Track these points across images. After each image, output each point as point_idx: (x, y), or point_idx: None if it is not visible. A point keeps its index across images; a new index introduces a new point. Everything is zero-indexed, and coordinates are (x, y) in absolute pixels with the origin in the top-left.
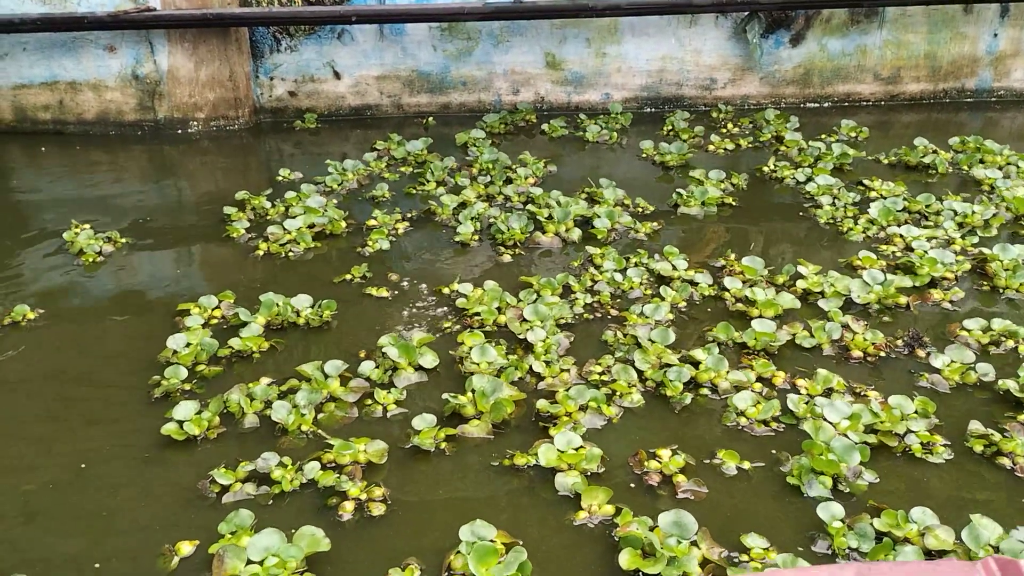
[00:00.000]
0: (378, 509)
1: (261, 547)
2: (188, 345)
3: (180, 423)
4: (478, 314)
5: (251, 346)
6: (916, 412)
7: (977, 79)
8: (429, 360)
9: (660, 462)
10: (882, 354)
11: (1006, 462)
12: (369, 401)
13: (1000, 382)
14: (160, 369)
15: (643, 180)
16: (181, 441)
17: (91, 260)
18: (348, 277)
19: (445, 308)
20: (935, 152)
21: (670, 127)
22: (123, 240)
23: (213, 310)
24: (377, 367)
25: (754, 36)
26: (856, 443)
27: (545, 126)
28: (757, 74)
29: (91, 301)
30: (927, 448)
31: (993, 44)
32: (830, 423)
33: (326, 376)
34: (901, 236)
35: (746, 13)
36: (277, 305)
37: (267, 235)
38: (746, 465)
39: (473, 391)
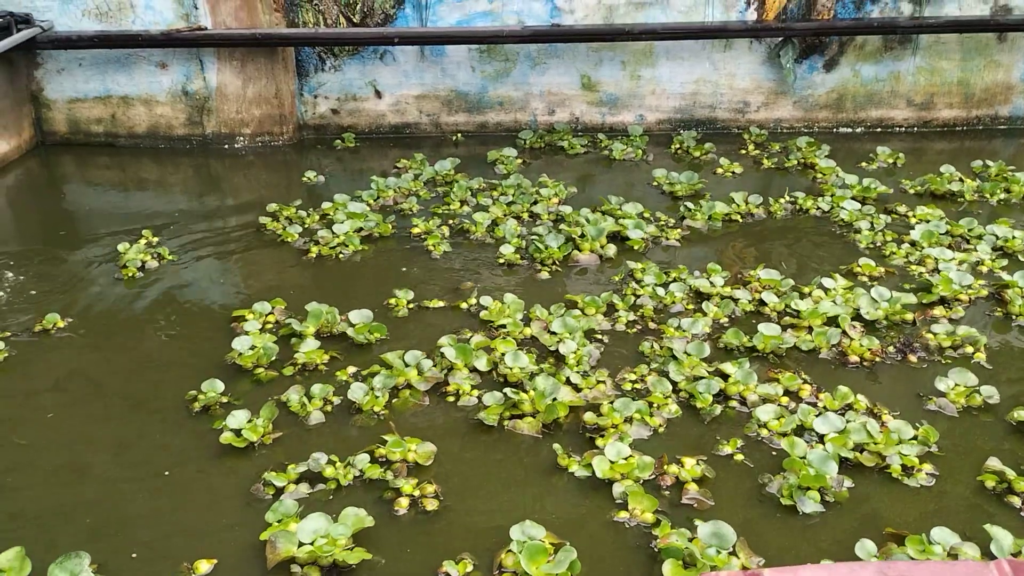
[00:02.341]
0: (431, 504)
1: (310, 530)
2: (252, 348)
3: (237, 431)
4: (503, 326)
5: (315, 359)
6: (916, 439)
7: (1011, 107)
8: (484, 363)
9: (682, 467)
10: (877, 359)
11: (1015, 500)
12: (443, 390)
13: (1016, 412)
14: (223, 372)
15: (655, 201)
16: (241, 448)
17: (131, 274)
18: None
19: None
20: (961, 180)
21: (678, 145)
22: (172, 255)
23: (267, 315)
24: (435, 366)
25: (788, 61)
26: (828, 453)
27: (564, 143)
28: (790, 98)
29: (141, 311)
30: (907, 471)
31: None
32: (816, 437)
33: (406, 365)
34: (933, 258)
35: (780, 39)
36: (325, 314)
37: (318, 239)
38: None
39: (535, 389)
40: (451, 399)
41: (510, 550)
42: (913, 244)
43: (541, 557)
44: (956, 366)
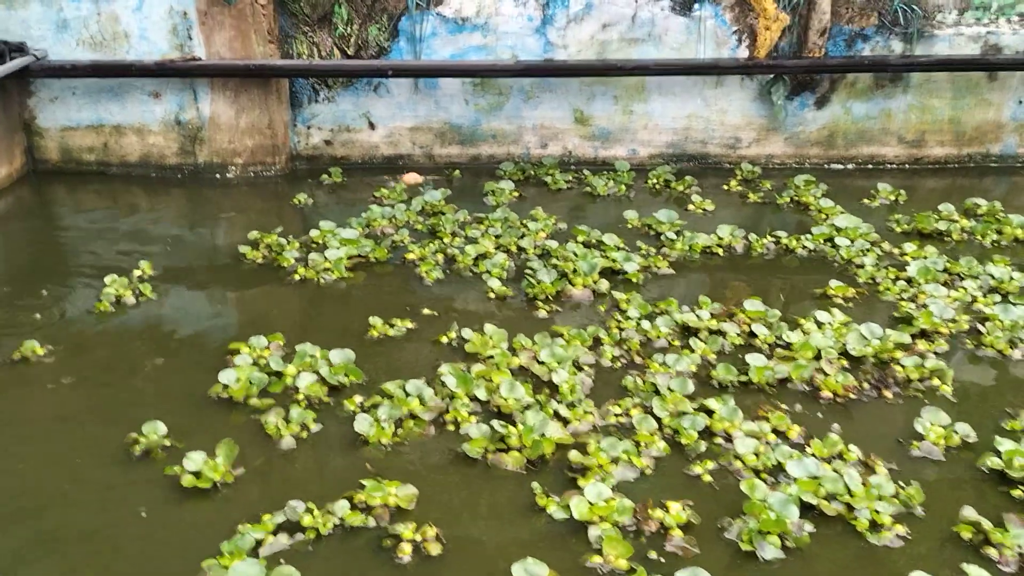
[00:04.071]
0: (435, 548)
1: (241, 573)
2: (238, 380)
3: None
4: (491, 357)
5: (314, 392)
6: (898, 498)
7: (1002, 145)
8: (483, 393)
9: (667, 512)
10: (851, 396)
11: (992, 552)
12: (443, 420)
13: (988, 459)
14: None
15: (633, 235)
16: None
17: (104, 308)
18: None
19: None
20: (952, 220)
21: (655, 180)
22: (156, 273)
23: (263, 350)
24: (436, 394)
25: (779, 98)
26: (789, 497)
27: (548, 179)
28: (781, 135)
29: (129, 338)
30: (875, 528)
31: (1018, 111)
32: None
33: (407, 395)
34: (925, 292)
35: (771, 76)
36: (310, 357)
37: (309, 262)
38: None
39: (523, 423)
40: (451, 428)
41: None
42: (909, 281)
43: None
44: (926, 399)
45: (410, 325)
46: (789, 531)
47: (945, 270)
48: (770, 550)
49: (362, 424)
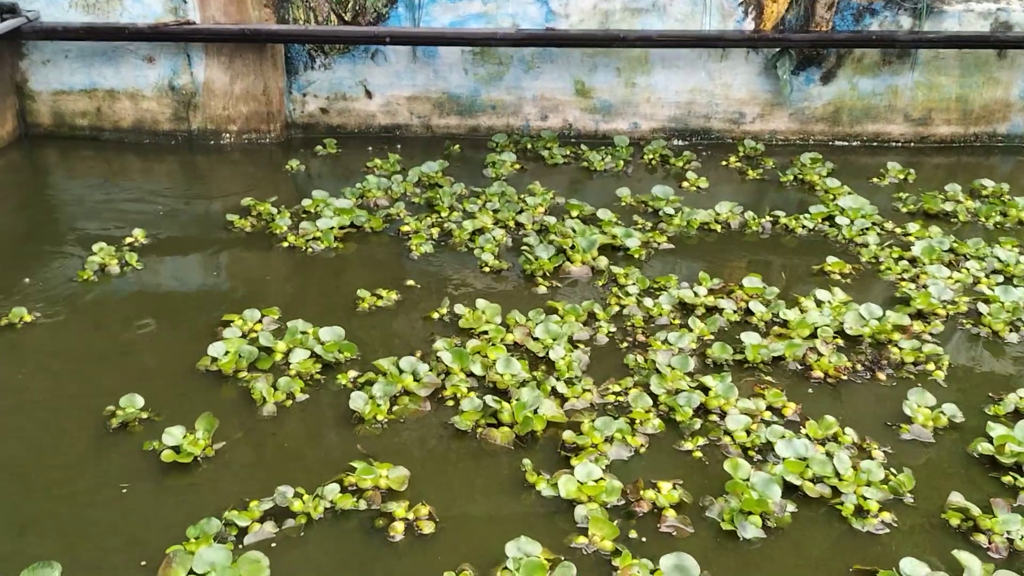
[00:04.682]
0: (428, 527)
1: (207, 561)
2: (227, 353)
3: (176, 448)
4: (485, 332)
5: (308, 368)
6: (887, 484)
7: (1009, 124)
8: (479, 368)
9: (658, 492)
10: (843, 377)
11: (982, 539)
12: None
13: (979, 444)
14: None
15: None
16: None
17: (88, 277)
18: (377, 301)
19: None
20: (958, 201)
21: (652, 156)
22: (146, 240)
23: (255, 323)
24: (431, 370)
25: (784, 72)
26: (773, 477)
27: (545, 152)
28: (786, 110)
29: (109, 304)
30: (861, 513)
31: None
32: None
33: (400, 371)
34: (928, 273)
35: (777, 49)
36: (301, 333)
37: (300, 231)
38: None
39: (518, 400)
40: (450, 403)
41: (506, 567)
42: (913, 261)
43: (540, 573)
44: (919, 382)
45: (396, 297)
46: (771, 511)
47: (951, 250)
48: (751, 530)
49: (357, 401)
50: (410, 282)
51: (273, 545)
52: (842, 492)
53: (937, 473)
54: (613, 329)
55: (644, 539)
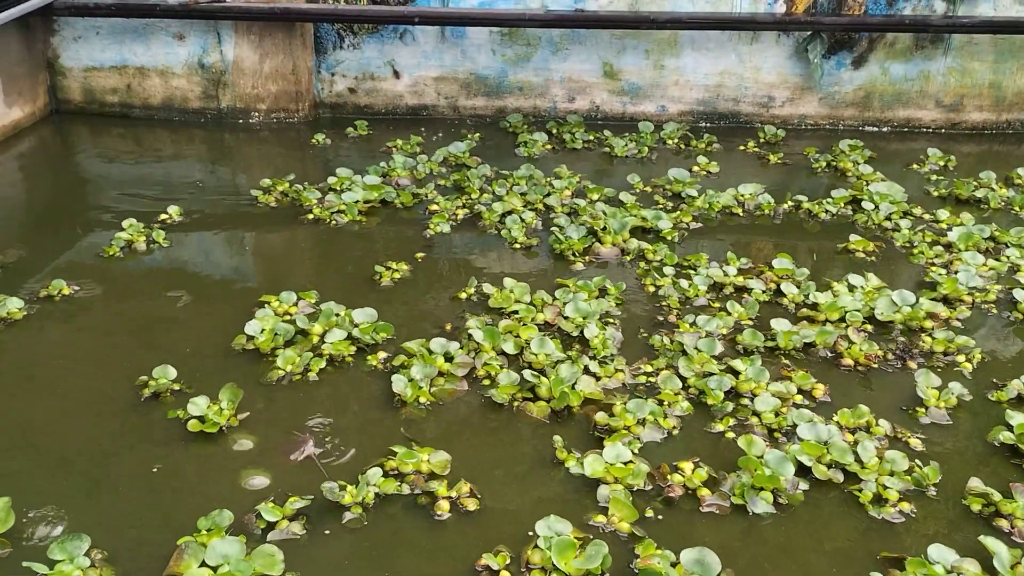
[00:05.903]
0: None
1: (219, 554)
2: (263, 331)
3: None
4: (516, 312)
5: (341, 350)
6: (909, 475)
7: None
8: (511, 347)
9: (682, 474)
10: (874, 365)
11: (1004, 524)
12: (477, 375)
13: (1001, 434)
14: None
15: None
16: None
17: (113, 254)
18: (395, 275)
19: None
20: (991, 189)
21: (673, 140)
22: (180, 217)
23: (291, 306)
24: (461, 348)
25: (815, 56)
26: (786, 455)
27: (567, 136)
28: (816, 94)
29: (133, 280)
30: (879, 501)
31: None
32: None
33: (431, 352)
34: (962, 260)
35: (808, 33)
36: (336, 316)
37: (325, 203)
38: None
39: (556, 375)
40: (486, 383)
41: (536, 546)
42: (948, 247)
43: (570, 551)
44: (946, 372)
45: (414, 274)
46: (783, 488)
47: (991, 237)
48: (761, 505)
49: (399, 384)
50: (436, 261)
51: (326, 532)
52: (862, 479)
53: (957, 459)
54: (648, 308)
55: (660, 517)
